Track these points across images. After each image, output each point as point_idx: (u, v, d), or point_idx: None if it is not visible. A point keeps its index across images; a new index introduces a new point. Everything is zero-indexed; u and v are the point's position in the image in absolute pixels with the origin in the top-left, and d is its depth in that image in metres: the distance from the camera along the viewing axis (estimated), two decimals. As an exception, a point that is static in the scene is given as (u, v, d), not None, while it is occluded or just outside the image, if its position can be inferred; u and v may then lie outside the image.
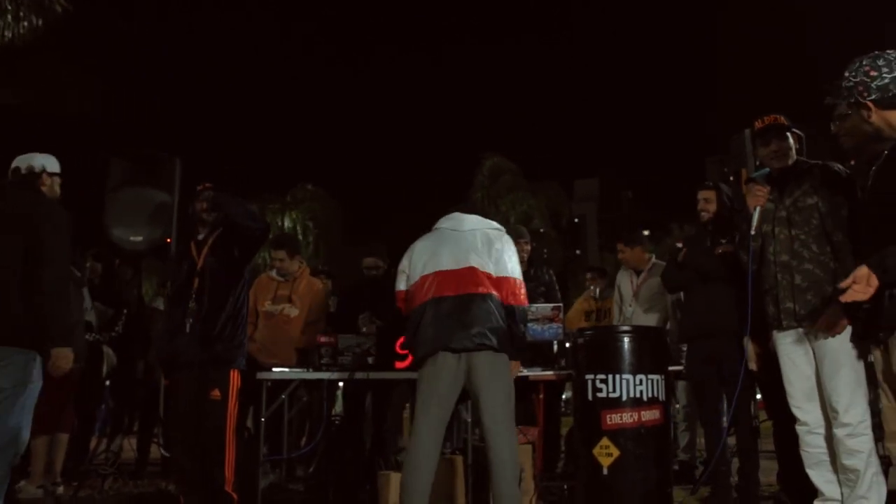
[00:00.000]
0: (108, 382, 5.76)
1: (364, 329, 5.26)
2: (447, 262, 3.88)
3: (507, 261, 3.93)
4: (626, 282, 6.06)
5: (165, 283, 7.67)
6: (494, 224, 4.16)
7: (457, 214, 4.19)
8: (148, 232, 5.77)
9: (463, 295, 3.77)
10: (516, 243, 5.71)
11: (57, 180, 3.84)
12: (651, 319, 5.71)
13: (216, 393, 4.15)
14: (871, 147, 2.92)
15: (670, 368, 4.53)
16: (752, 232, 3.55)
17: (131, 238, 5.75)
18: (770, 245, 3.53)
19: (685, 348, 4.83)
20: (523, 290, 3.94)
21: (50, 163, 3.81)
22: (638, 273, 5.99)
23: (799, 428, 3.46)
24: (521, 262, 5.72)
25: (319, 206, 26.44)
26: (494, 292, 3.82)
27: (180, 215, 5.96)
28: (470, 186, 29.13)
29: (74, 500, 4.83)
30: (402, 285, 4.01)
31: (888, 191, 2.75)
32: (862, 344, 3.19)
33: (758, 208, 3.57)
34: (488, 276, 3.84)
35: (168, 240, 5.81)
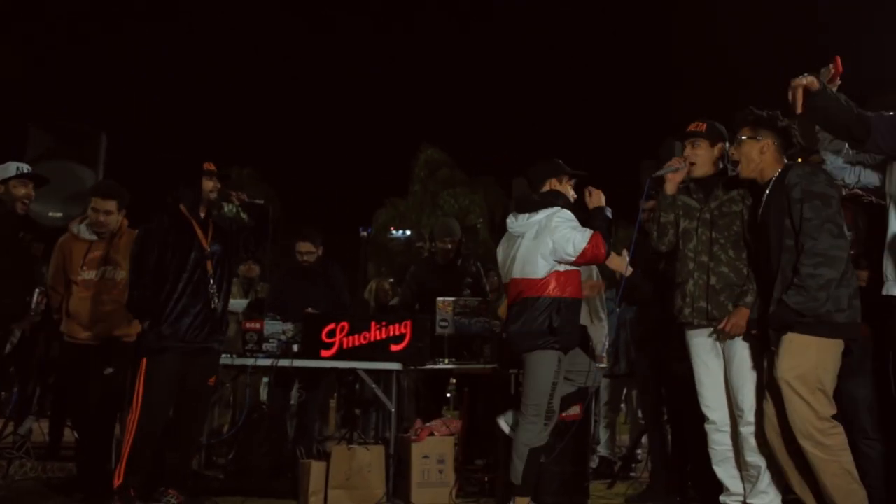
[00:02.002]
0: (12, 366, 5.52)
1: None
2: (513, 272, 4.09)
3: (552, 251, 3.95)
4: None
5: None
6: (545, 212, 4.06)
7: (511, 214, 4.24)
8: (68, 208, 5.55)
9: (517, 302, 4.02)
10: (441, 241, 5.79)
11: (13, 183, 4.35)
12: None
13: (213, 380, 4.29)
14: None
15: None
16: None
17: (50, 214, 5.52)
18: (690, 242, 3.64)
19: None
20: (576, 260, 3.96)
21: None
22: None
23: (707, 426, 3.60)
24: (447, 256, 5.79)
25: (255, 192, 25.99)
26: (538, 294, 3.93)
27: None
28: (408, 179, 29.11)
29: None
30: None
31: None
32: (765, 348, 3.36)
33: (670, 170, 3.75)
34: (528, 281, 3.96)
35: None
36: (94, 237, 4.61)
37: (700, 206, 3.66)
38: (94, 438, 4.47)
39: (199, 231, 4.22)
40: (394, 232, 34.33)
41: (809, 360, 3.13)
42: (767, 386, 3.27)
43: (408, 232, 33.12)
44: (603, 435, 6.18)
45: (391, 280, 8.85)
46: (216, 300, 4.16)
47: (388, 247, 31.14)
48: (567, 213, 4.00)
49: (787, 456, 3.24)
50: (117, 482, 3.98)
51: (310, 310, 5.05)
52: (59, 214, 5.55)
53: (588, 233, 3.92)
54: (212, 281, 4.16)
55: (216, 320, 4.19)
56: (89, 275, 4.54)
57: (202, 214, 4.30)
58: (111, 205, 4.58)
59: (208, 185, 4.30)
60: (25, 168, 4.49)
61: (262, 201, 4.73)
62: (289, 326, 4.79)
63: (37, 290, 4.47)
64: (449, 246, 5.82)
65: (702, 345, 3.59)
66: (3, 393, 5.28)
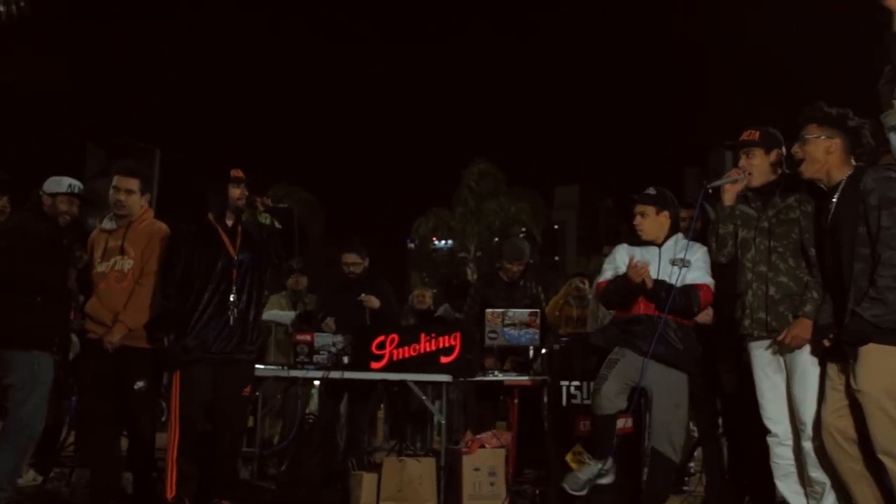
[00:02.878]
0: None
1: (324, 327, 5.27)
2: None
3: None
4: None
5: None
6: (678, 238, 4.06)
7: None
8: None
9: None
10: (510, 262, 5.72)
11: (60, 199, 4.28)
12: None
13: (248, 389, 4.30)
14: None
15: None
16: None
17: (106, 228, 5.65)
18: (748, 252, 3.57)
19: None
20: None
21: (49, 185, 4.29)
22: None
23: (770, 439, 3.50)
24: (514, 276, 5.71)
25: (300, 206, 26.34)
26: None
27: (159, 207, 5.89)
28: (455, 190, 29.23)
29: (41, 491, 4.76)
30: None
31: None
32: (827, 360, 3.26)
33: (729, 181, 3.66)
34: None
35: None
36: (114, 226, 4.33)
37: (758, 215, 3.58)
38: (140, 450, 4.39)
39: (226, 239, 4.21)
40: (436, 242, 34.42)
41: (893, 371, 2.99)
42: (840, 399, 3.14)
43: (450, 242, 33.18)
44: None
45: (434, 291, 8.87)
46: (235, 310, 4.12)
47: (432, 257, 31.27)
48: None
49: (855, 471, 3.12)
50: (170, 494, 4.04)
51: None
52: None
53: None
54: (234, 290, 4.14)
55: (245, 331, 4.15)
56: (103, 267, 4.27)
57: (230, 222, 4.28)
58: (133, 183, 4.29)
59: (235, 192, 4.25)
60: (77, 187, 4.51)
61: (286, 205, 4.67)
62: (339, 338, 4.83)
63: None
64: (516, 269, 5.77)
65: (763, 357, 3.51)
66: (64, 402, 5.38)
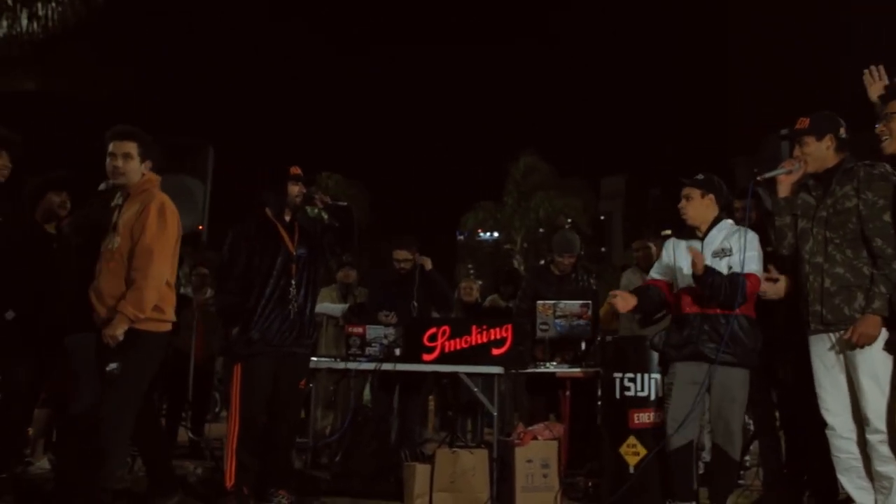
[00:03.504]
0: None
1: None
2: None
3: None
4: (638, 281, 6.00)
5: (193, 270, 7.79)
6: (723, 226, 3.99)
7: None
8: (182, 219, 5.79)
9: None
10: (560, 256, 5.67)
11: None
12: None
13: (304, 382, 4.38)
14: None
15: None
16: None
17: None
18: (806, 243, 3.49)
19: None
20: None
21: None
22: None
23: (828, 432, 3.43)
24: (565, 270, 5.65)
25: (347, 197, 26.57)
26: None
27: (213, 203, 6.01)
28: (502, 183, 29.18)
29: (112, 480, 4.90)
30: None
31: None
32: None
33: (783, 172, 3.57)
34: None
35: (200, 227, 5.85)
36: (110, 191, 3.87)
37: (817, 204, 3.49)
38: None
39: (284, 235, 4.30)
40: (482, 234, 34.41)
41: None
42: None
43: (496, 234, 33.13)
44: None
45: (480, 283, 8.87)
46: (295, 304, 4.22)
47: (478, 249, 31.27)
48: None
49: None
50: (229, 483, 4.14)
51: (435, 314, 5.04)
52: (174, 225, 5.79)
53: None
54: (293, 284, 4.23)
55: (303, 324, 4.27)
56: (102, 246, 3.77)
57: (287, 218, 4.37)
58: (130, 147, 3.76)
59: (294, 189, 4.35)
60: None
61: (345, 203, 4.74)
62: (390, 331, 4.87)
63: None
64: (567, 261, 5.73)
65: (821, 349, 3.43)
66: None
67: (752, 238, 3.83)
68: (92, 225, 3.98)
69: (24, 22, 13.43)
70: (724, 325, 3.74)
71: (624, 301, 4.07)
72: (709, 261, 3.82)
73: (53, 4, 13.39)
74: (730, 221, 4.01)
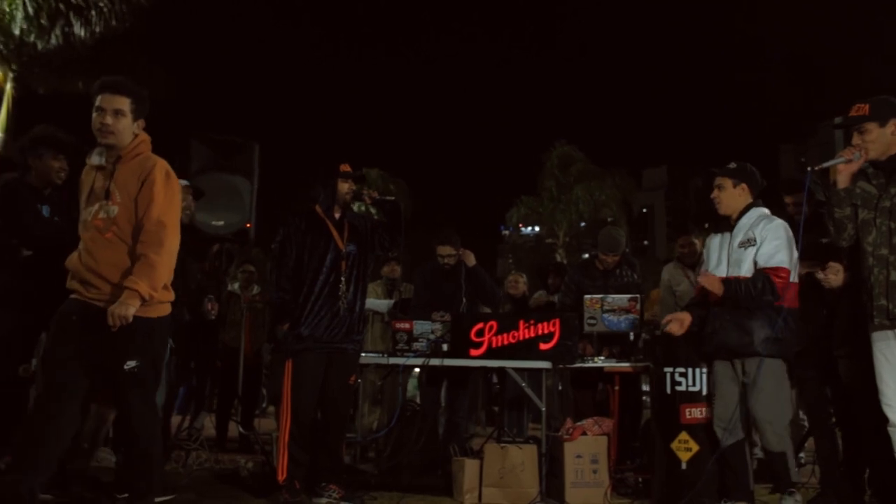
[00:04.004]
0: (192, 363, 5.91)
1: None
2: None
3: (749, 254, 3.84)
4: (680, 276, 5.92)
5: (241, 267, 7.91)
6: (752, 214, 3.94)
7: None
8: (229, 217, 5.89)
9: None
10: (604, 254, 5.61)
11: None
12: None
13: (353, 378, 4.40)
14: None
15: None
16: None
17: (213, 223, 5.86)
18: (868, 235, 3.38)
19: None
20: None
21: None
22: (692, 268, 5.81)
23: (890, 429, 3.34)
24: (610, 267, 5.59)
25: (389, 193, 26.71)
26: None
27: (259, 200, 6.09)
28: (538, 174, 29.02)
29: (160, 473, 5.02)
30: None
31: None
32: None
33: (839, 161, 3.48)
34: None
35: (248, 224, 5.93)
36: (102, 161, 3.39)
37: (879, 193, 3.38)
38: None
39: (334, 232, 4.34)
40: (523, 229, 34.29)
41: None
42: None
43: (536, 228, 32.96)
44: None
45: (523, 276, 8.81)
46: (344, 301, 4.26)
47: (519, 244, 31.16)
48: None
49: None
50: (281, 477, 4.20)
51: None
52: (221, 223, 5.88)
53: None
54: (343, 281, 4.27)
55: (352, 321, 4.31)
56: (86, 214, 3.36)
57: (337, 216, 4.42)
58: (122, 102, 3.34)
59: (344, 186, 4.40)
60: (188, 183, 4.73)
61: (392, 198, 4.79)
62: (438, 326, 4.88)
63: (206, 299, 4.75)
64: (611, 260, 5.67)
65: (885, 344, 3.33)
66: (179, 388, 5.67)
67: (777, 227, 3.79)
68: None
69: (78, 28, 13.86)
70: (746, 316, 3.72)
71: (680, 325, 4.07)
72: (735, 252, 3.84)
73: (103, 8, 13.78)
74: (760, 209, 3.94)
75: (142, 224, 3.25)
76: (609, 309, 4.99)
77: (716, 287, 3.84)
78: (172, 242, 3.31)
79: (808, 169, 3.64)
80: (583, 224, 29.20)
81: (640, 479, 4.76)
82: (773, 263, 3.73)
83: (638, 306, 5.13)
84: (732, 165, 3.99)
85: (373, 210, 4.67)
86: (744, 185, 3.94)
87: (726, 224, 4.00)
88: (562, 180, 28.25)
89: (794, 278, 3.80)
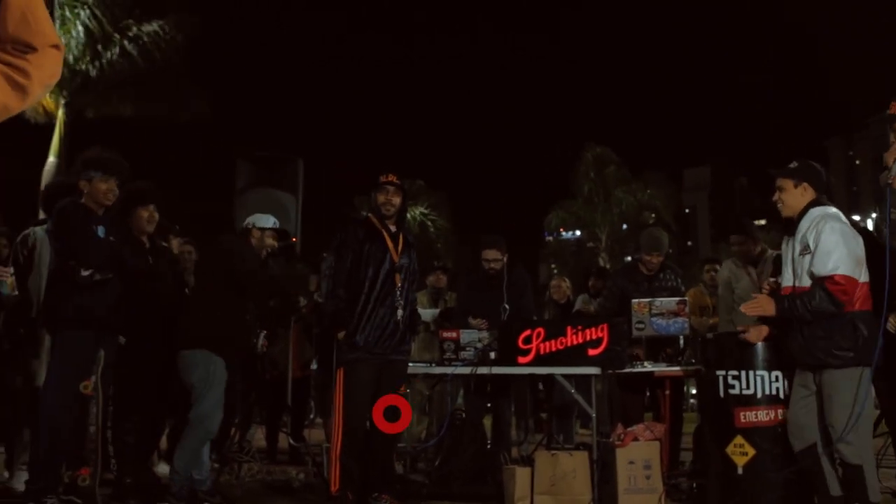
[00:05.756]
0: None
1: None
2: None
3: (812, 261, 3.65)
4: (741, 274, 5.80)
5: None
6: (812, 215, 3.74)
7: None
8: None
9: None
10: (648, 254, 5.52)
11: (268, 233, 4.59)
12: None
13: (403, 388, 4.49)
14: None
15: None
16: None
17: (263, 238, 5.94)
18: None
19: None
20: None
21: (259, 220, 4.61)
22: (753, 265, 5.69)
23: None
24: (653, 268, 5.50)
25: (431, 202, 26.78)
26: None
27: (304, 215, 6.18)
28: (574, 179, 28.83)
29: (215, 483, 5.11)
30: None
31: None
32: None
33: None
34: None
35: (294, 239, 6.01)
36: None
37: None
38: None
39: (390, 243, 4.39)
40: (564, 233, 34.06)
41: None
42: None
43: (577, 233, 32.71)
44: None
45: (566, 280, 8.75)
46: (400, 312, 4.31)
47: (561, 249, 30.96)
48: None
49: None
50: (334, 488, 4.24)
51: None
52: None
53: None
54: (399, 293, 4.31)
55: (403, 332, 4.36)
56: None
57: (393, 228, 4.46)
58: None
59: (380, 197, 4.44)
60: (277, 224, 4.84)
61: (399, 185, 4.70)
62: (485, 334, 4.88)
63: (262, 334, 4.86)
64: (655, 260, 5.62)
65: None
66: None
67: (830, 230, 3.56)
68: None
69: (129, 48, 14.33)
70: (818, 325, 3.57)
71: (758, 333, 3.94)
72: (798, 261, 3.69)
73: (156, 32, 14.23)
74: (821, 209, 3.72)
75: None
76: (657, 313, 4.93)
77: (769, 310, 3.70)
78: None
79: (886, 184, 3.53)
80: (625, 226, 28.89)
81: (694, 485, 4.68)
82: (826, 272, 3.53)
83: (687, 309, 5.06)
84: (793, 165, 3.82)
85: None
86: (806, 185, 3.75)
87: (792, 227, 3.81)
88: (598, 184, 28.03)
89: (862, 277, 3.59)
